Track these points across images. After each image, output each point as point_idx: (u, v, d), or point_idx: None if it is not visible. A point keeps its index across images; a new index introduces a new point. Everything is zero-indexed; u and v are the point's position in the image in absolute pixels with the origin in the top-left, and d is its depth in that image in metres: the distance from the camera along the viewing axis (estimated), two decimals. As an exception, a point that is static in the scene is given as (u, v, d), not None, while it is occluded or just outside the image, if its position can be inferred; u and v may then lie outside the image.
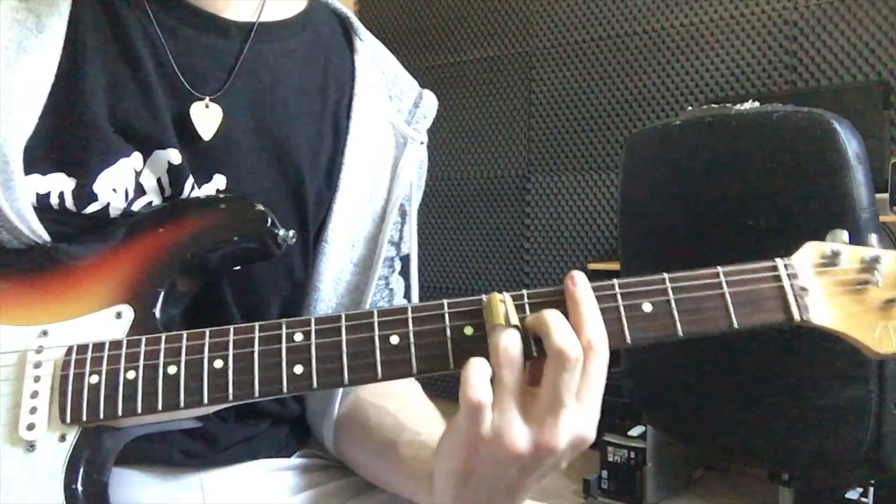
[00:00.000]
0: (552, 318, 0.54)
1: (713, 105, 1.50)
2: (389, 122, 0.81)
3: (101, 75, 0.69)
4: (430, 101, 0.85)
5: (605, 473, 2.64)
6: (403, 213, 0.82)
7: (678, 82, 3.13)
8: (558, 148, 3.50)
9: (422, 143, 0.82)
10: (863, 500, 2.12)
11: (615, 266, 2.74)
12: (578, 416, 0.53)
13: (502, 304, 0.54)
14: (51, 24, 0.68)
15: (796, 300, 0.56)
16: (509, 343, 0.53)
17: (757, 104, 1.39)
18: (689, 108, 3.03)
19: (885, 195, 2.09)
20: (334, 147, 0.78)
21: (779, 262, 0.58)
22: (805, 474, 1.91)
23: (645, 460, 2.56)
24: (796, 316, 0.56)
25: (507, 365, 0.53)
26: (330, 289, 0.77)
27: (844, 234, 0.59)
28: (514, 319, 0.54)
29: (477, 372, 0.53)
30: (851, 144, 1.23)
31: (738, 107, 1.38)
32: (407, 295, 0.86)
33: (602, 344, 0.54)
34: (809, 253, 0.59)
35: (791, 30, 2.87)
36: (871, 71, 2.71)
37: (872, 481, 2.09)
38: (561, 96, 3.48)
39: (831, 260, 0.58)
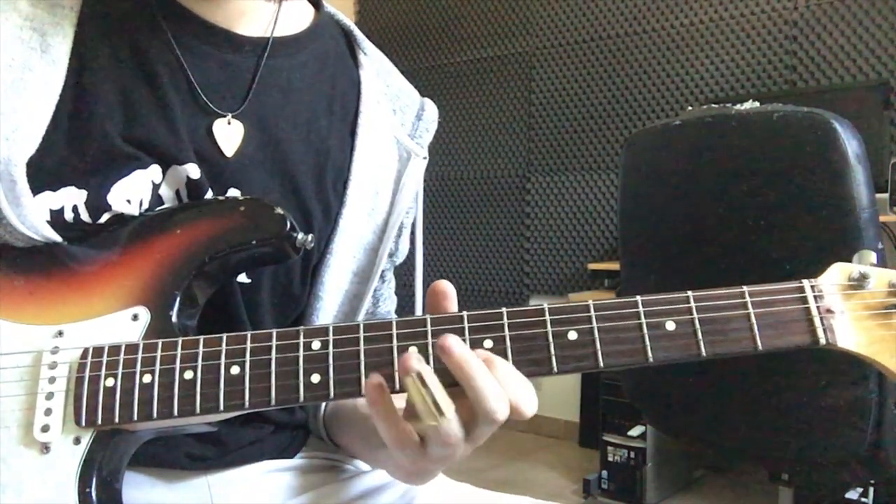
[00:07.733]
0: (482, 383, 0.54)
1: (713, 105, 1.50)
2: (393, 137, 0.82)
3: (115, 92, 0.69)
4: (432, 113, 0.87)
5: (605, 473, 2.64)
6: (401, 227, 0.83)
7: (678, 82, 3.14)
8: (558, 148, 3.50)
9: (424, 157, 0.83)
10: (863, 500, 2.13)
11: (615, 266, 2.74)
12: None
13: (425, 392, 0.51)
14: (55, 45, 0.67)
15: (822, 323, 0.55)
16: (452, 432, 0.54)
17: (757, 104, 1.38)
18: (689, 108, 3.04)
19: (885, 195, 2.09)
20: (341, 163, 0.79)
21: (805, 283, 0.56)
22: (805, 474, 1.91)
23: (645, 460, 2.56)
24: (822, 339, 0.55)
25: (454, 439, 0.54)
26: (333, 299, 0.78)
27: (872, 256, 0.57)
28: (445, 404, 0.52)
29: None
30: (851, 144, 1.23)
31: (738, 107, 1.38)
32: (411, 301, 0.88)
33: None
34: (836, 274, 0.57)
35: (791, 30, 2.87)
36: (871, 71, 2.71)
37: (872, 481, 2.09)
38: (561, 96, 3.48)
39: (859, 283, 0.56)
